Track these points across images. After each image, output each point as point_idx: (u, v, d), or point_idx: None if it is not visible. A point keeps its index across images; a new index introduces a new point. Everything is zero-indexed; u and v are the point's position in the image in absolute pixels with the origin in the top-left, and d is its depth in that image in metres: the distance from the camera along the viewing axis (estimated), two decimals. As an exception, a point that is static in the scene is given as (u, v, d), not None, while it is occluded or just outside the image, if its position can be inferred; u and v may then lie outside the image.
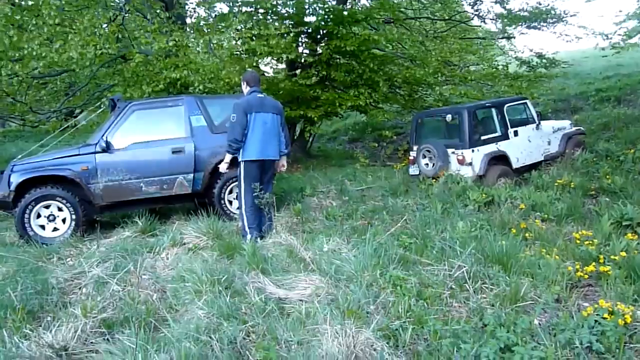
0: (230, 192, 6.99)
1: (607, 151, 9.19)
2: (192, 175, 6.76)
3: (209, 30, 9.53)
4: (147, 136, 6.72)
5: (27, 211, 6.12)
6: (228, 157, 5.76)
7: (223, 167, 5.88)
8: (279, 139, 5.92)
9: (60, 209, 6.30)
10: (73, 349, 3.17)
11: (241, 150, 5.65)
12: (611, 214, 5.52)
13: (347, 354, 2.82)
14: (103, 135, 6.49)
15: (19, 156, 7.04)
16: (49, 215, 6.28)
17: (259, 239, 5.54)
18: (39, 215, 6.24)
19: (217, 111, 7.14)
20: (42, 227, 6.25)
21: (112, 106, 6.95)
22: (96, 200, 6.44)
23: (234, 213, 6.89)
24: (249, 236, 5.52)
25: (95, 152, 6.42)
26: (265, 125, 5.68)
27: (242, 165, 5.68)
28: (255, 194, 5.48)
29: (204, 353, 2.87)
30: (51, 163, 6.32)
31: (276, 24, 10.36)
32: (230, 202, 7.01)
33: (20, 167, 6.26)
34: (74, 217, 6.30)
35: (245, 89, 5.86)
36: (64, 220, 6.33)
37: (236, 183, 6.77)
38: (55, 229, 6.30)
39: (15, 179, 6.13)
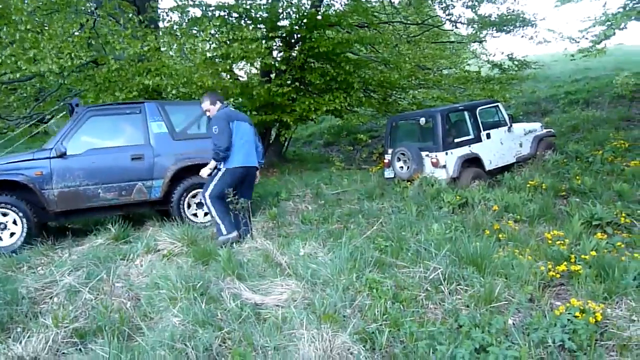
0: (189, 205, 6.93)
1: (577, 152, 9.37)
2: (151, 182, 6.66)
3: (182, 35, 9.45)
4: (105, 142, 6.62)
5: None
6: (212, 164, 5.76)
7: (205, 172, 5.82)
8: (256, 148, 6.08)
9: (4, 215, 6.06)
10: (44, 360, 3.10)
11: (227, 158, 5.70)
12: (581, 214, 5.64)
13: (324, 358, 2.82)
14: (59, 140, 6.34)
15: None
16: None
17: (234, 243, 5.51)
18: None
19: (179, 118, 7.07)
20: None
21: (71, 111, 6.77)
22: (50, 206, 6.23)
23: (193, 221, 6.83)
24: (234, 234, 5.60)
25: (50, 157, 6.24)
26: (246, 134, 5.86)
27: (225, 172, 5.70)
28: (229, 199, 5.45)
29: (179, 361, 2.84)
30: (3, 168, 6.10)
31: (250, 28, 10.33)
32: (195, 214, 6.98)
33: None
34: (25, 223, 6.07)
35: (217, 106, 5.91)
36: (15, 223, 6.10)
37: (196, 191, 6.76)
38: (12, 234, 6.09)
39: None
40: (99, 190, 6.41)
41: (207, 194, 5.67)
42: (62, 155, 6.27)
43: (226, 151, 5.60)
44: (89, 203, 6.43)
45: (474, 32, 15.91)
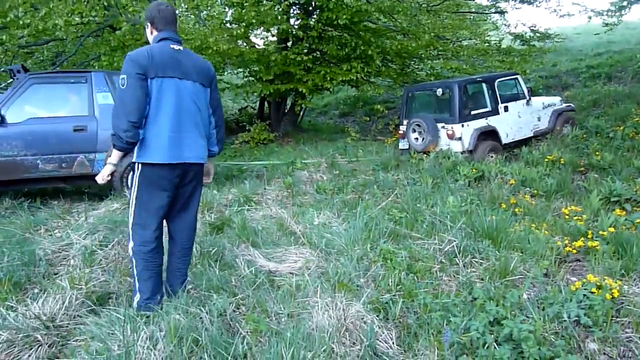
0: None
1: (597, 128, 9.20)
2: (94, 155, 6.40)
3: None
4: (46, 111, 6.40)
5: None
6: (115, 155, 3.05)
7: (106, 171, 3.10)
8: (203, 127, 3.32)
9: None
10: (60, 320, 3.14)
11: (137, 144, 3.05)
12: (600, 190, 5.56)
13: (337, 326, 2.82)
14: None
15: None
16: None
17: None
18: None
19: None
20: None
21: (12, 77, 6.56)
22: None
23: None
24: (137, 297, 3.16)
25: None
26: (181, 101, 3.11)
27: (138, 170, 3.10)
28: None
29: (194, 325, 2.86)
30: None
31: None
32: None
33: None
34: None
35: (151, 34, 3.26)
36: None
37: None
38: None
39: None
40: (37, 161, 6.19)
41: (131, 216, 3.18)
42: (0, 123, 6.07)
43: (129, 130, 2.90)
44: (27, 174, 6.22)
45: (495, 2, 15.52)
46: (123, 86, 2.94)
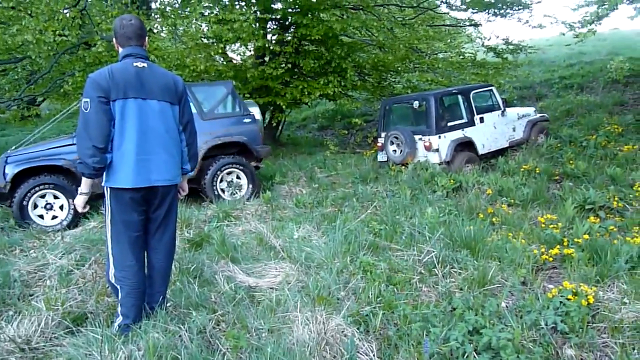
0: (221, 180, 7.17)
1: (571, 137, 9.37)
2: None
3: (173, 15, 9.34)
4: None
5: (25, 200, 6.17)
6: (85, 184, 3.07)
7: (80, 202, 3.14)
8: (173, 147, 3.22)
9: (55, 197, 6.36)
10: (36, 343, 3.09)
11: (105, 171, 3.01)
12: (575, 198, 5.66)
13: (317, 340, 2.82)
14: None
15: (13, 147, 6.92)
16: (46, 204, 6.34)
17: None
18: (40, 205, 6.33)
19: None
20: (41, 216, 6.33)
21: None
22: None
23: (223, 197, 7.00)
24: (119, 320, 3.14)
25: None
26: (146, 122, 3.03)
27: (108, 193, 3.05)
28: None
29: (173, 343, 2.83)
30: (45, 153, 6.36)
31: (244, 9, 10.21)
32: (223, 190, 7.17)
33: (15, 158, 6.28)
34: (72, 203, 6.29)
35: (117, 49, 3.21)
36: (61, 208, 6.39)
37: (229, 170, 7.01)
38: (54, 217, 6.38)
39: (11, 170, 6.14)
40: None
41: (108, 238, 3.16)
42: None
43: (95, 155, 2.86)
44: None
45: (470, 11, 15.74)
46: (86, 110, 2.87)
